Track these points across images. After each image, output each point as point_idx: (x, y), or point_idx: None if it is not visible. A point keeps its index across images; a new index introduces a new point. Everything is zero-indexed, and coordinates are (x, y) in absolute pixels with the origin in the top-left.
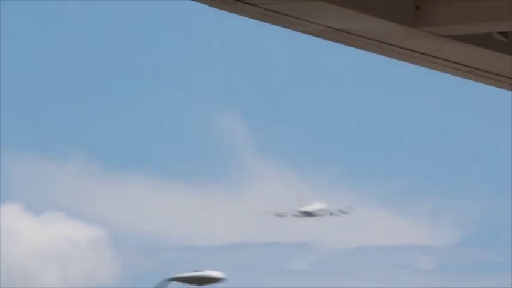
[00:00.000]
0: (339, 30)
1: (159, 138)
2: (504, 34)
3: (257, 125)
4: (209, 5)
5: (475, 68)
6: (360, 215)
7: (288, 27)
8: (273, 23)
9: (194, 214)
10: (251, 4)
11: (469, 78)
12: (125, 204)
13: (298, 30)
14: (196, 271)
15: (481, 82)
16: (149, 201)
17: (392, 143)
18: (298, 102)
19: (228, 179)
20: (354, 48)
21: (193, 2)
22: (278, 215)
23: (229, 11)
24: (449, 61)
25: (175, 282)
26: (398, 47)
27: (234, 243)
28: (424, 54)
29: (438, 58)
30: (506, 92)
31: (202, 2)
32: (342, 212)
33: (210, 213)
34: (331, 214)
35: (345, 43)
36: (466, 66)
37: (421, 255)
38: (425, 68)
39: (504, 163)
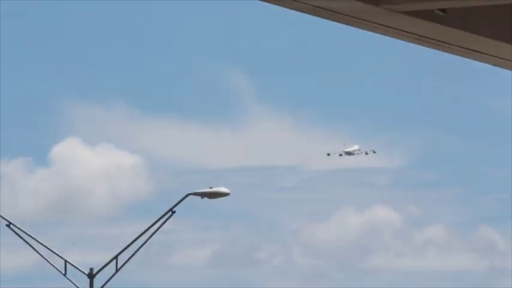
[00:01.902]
0: (320, 7)
1: (181, 87)
2: (443, 10)
3: (258, 76)
4: None
5: (422, 36)
6: (334, 146)
7: (277, 4)
8: (265, 1)
9: (208, 145)
10: None
11: (417, 44)
12: (158, 138)
13: (286, 7)
14: (211, 188)
15: (426, 46)
16: (175, 135)
17: (351, 86)
18: (294, 53)
19: (234, 118)
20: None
21: None
22: (328, 154)
23: None
24: (404, 31)
25: (193, 196)
26: (366, 20)
27: (238, 167)
28: (385, 26)
29: (395, 29)
30: (444, 53)
31: None
32: (373, 151)
33: (221, 145)
34: (366, 153)
35: (325, 17)
36: (415, 34)
37: (379, 175)
38: (386, 36)
39: (436, 105)
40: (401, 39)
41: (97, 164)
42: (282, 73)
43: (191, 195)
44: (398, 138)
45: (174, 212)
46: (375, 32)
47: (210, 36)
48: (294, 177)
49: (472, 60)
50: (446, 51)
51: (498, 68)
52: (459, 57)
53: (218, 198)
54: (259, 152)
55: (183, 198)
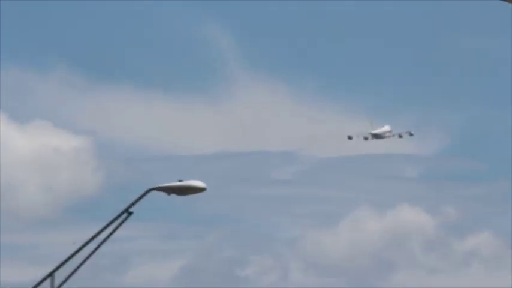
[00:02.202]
0: None
1: (143, 48)
2: None
3: (244, 37)
4: None
5: None
6: (346, 126)
7: None
8: None
9: (179, 125)
10: None
11: None
12: (109, 114)
13: None
14: (180, 181)
15: None
16: (133, 111)
17: (378, 55)
18: (283, 16)
19: (213, 89)
20: None
21: None
22: (349, 137)
23: None
24: None
25: (157, 191)
26: None
27: (218, 153)
28: None
29: None
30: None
31: None
32: (409, 134)
33: (193, 122)
34: (400, 136)
35: None
36: None
37: (406, 164)
38: None
39: (491, 75)
40: None
41: (28, 148)
42: (278, 32)
43: (154, 191)
44: (433, 116)
45: (131, 213)
46: None
47: None
48: (292, 167)
49: None
50: None
51: None
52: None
53: (190, 195)
54: (246, 134)
55: (143, 195)
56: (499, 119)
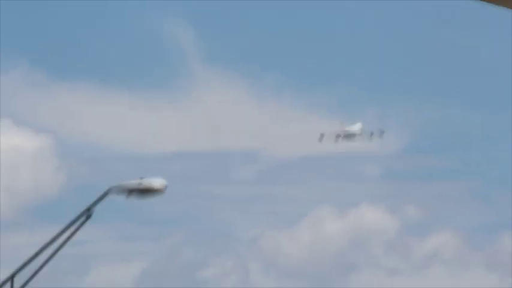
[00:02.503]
0: None
1: (104, 45)
2: None
3: (205, 34)
4: None
5: None
6: (308, 125)
7: None
8: None
9: (139, 123)
10: None
11: None
12: (70, 112)
13: None
14: (140, 179)
15: None
16: (94, 109)
17: (334, 51)
18: (245, 11)
19: (173, 86)
20: None
21: None
22: (321, 135)
23: None
24: None
25: (116, 191)
26: None
27: (178, 152)
28: None
29: None
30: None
31: None
32: (381, 132)
33: (156, 122)
34: (371, 134)
35: None
36: None
37: (366, 163)
38: None
39: (454, 74)
40: None
41: None
42: (239, 26)
43: (114, 191)
44: (394, 113)
45: (91, 214)
46: None
47: None
48: (252, 166)
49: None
50: None
51: None
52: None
53: (150, 195)
54: (207, 132)
55: (104, 196)
56: (459, 117)
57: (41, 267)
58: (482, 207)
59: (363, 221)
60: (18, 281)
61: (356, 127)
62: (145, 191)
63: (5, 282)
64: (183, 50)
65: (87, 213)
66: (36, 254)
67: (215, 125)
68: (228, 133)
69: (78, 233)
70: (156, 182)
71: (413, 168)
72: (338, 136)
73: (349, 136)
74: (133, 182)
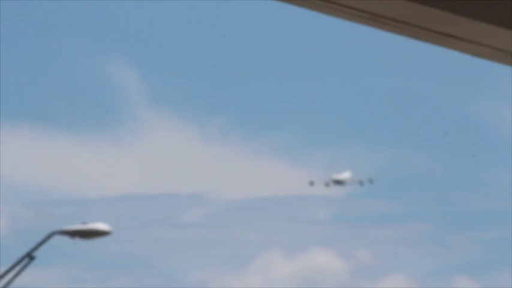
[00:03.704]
0: None
1: (47, 88)
2: None
3: (149, 76)
4: None
5: (378, 15)
6: (255, 167)
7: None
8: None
9: (84, 166)
10: None
11: (371, 26)
12: (12, 155)
13: None
14: (84, 223)
15: (384, 29)
16: (37, 152)
17: (284, 93)
18: (189, 54)
19: (118, 130)
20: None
21: None
22: (311, 183)
23: None
24: (353, 8)
25: (59, 235)
26: None
27: (123, 195)
28: (327, 1)
29: (336, 4)
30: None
31: None
32: (370, 181)
33: (98, 163)
34: (360, 183)
35: None
36: (369, 13)
37: (316, 206)
38: (326, 16)
39: (401, 113)
40: (351, 19)
41: None
42: (185, 68)
43: (57, 234)
44: (343, 154)
45: (34, 257)
46: (310, 8)
47: (85, 15)
48: (201, 209)
49: (451, 50)
50: (412, 37)
51: (484, 61)
52: (432, 45)
53: (95, 239)
54: (152, 175)
55: (46, 239)
56: (412, 160)
57: None
58: (435, 251)
59: (314, 264)
60: None
61: (345, 175)
62: (89, 234)
63: None
64: (127, 92)
65: (30, 256)
66: None
67: (161, 168)
68: (174, 176)
69: (22, 277)
70: (100, 226)
71: (364, 211)
72: (327, 184)
73: (338, 183)
74: (77, 226)
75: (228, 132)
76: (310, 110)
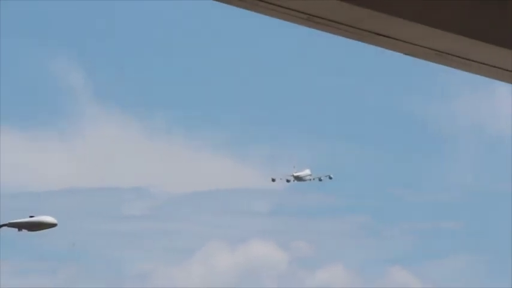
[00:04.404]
0: None
1: None
2: None
3: (95, 72)
4: None
5: (315, 16)
6: (198, 161)
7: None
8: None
9: (29, 161)
10: None
11: (308, 26)
12: None
13: None
14: (31, 217)
15: (321, 30)
16: None
17: (226, 91)
18: (134, 51)
19: (63, 125)
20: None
21: None
22: (273, 179)
23: None
24: (289, 9)
25: (8, 228)
26: None
27: (69, 188)
28: (265, 2)
29: (276, 5)
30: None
31: None
32: (329, 177)
33: (44, 158)
34: (320, 180)
35: None
36: (305, 13)
37: (256, 199)
38: (266, 16)
39: (337, 110)
40: (288, 20)
41: None
42: (129, 65)
43: (4, 227)
44: (283, 148)
45: None
46: (252, 10)
47: (30, 14)
48: (143, 202)
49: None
50: (352, 38)
51: (412, 58)
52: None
53: (41, 231)
54: (97, 170)
55: None
56: (347, 153)
57: None
58: (372, 242)
59: (254, 255)
60: None
61: (305, 172)
62: (36, 227)
63: None
64: (72, 89)
65: None
66: None
67: (105, 162)
68: (118, 170)
69: None
70: (46, 218)
71: (303, 204)
72: (288, 181)
73: (299, 179)
74: (25, 219)
75: (172, 128)
76: (251, 106)
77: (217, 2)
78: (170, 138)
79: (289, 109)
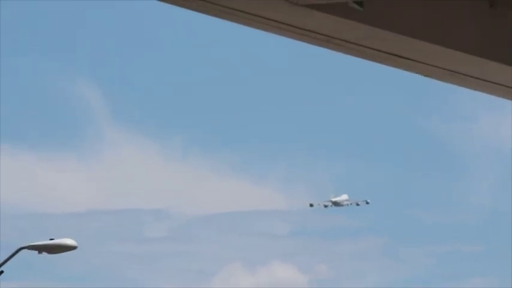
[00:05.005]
0: (211, 2)
1: (12, 105)
2: (359, 3)
3: (112, 94)
4: None
5: (332, 37)
6: (216, 183)
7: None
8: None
9: (50, 182)
10: None
11: (325, 47)
12: None
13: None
14: (51, 239)
15: (338, 50)
16: (4, 169)
17: (244, 112)
18: (152, 73)
19: (83, 146)
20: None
21: None
22: (311, 205)
23: None
24: (306, 30)
25: (27, 250)
26: (258, 16)
27: (88, 210)
28: (282, 23)
29: (295, 27)
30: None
31: None
32: (366, 202)
33: (63, 179)
34: (357, 204)
35: (213, 15)
36: (323, 35)
37: (276, 221)
38: (284, 37)
39: (355, 130)
40: (303, 40)
41: None
42: (147, 86)
43: (25, 250)
44: (302, 169)
45: (2, 272)
46: (269, 31)
47: (48, 34)
48: (164, 224)
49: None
50: (366, 58)
51: (432, 80)
52: (383, 65)
53: (61, 254)
54: (116, 191)
55: (14, 253)
56: (367, 175)
57: None
58: (390, 264)
59: (274, 278)
60: None
61: (343, 197)
62: (56, 249)
63: None
64: (91, 110)
65: None
66: None
67: (124, 184)
68: (137, 192)
69: None
70: (67, 241)
71: (322, 225)
72: (326, 206)
73: (337, 205)
74: (44, 242)
75: (190, 149)
76: (268, 128)
77: (235, 24)
78: (188, 160)
79: (306, 129)
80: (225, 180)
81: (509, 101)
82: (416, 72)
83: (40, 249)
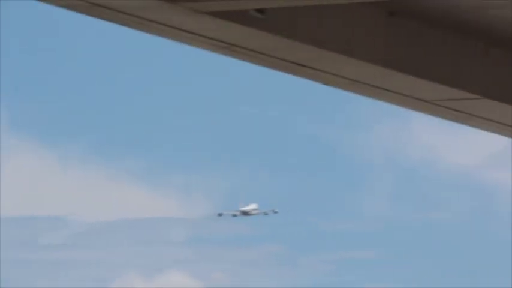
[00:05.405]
0: (98, 5)
1: None
2: (261, 11)
3: (10, 103)
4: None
5: (234, 45)
6: (115, 190)
7: (45, 2)
8: None
9: None
10: None
11: (226, 55)
12: None
13: (54, 5)
14: None
15: (239, 58)
16: None
17: (142, 121)
18: (49, 82)
19: None
20: (114, 24)
21: None
22: (219, 214)
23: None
24: (207, 37)
25: None
26: (156, 22)
27: None
28: (182, 30)
29: (196, 34)
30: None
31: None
32: (273, 212)
33: None
34: (265, 214)
35: (104, 18)
36: (224, 42)
37: (175, 229)
38: (184, 44)
39: (251, 138)
40: (204, 48)
41: None
42: (44, 95)
43: None
44: (204, 178)
45: None
46: (168, 37)
47: None
48: (61, 231)
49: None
50: (268, 67)
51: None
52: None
53: None
54: (13, 198)
55: None
56: (265, 183)
57: None
58: (287, 272)
59: (170, 285)
60: None
61: (251, 207)
62: None
63: None
64: None
65: None
66: None
67: (22, 192)
68: (35, 199)
69: None
70: None
71: (223, 234)
72: (235, 215)
73: (245, 214)
74: None
75: (89, 157)
76: (168, 136)
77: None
78: (88, 168)
79: (207, 140)
80: (124, 188)
81: (405, 110)
82: (317, 81)
83: None
